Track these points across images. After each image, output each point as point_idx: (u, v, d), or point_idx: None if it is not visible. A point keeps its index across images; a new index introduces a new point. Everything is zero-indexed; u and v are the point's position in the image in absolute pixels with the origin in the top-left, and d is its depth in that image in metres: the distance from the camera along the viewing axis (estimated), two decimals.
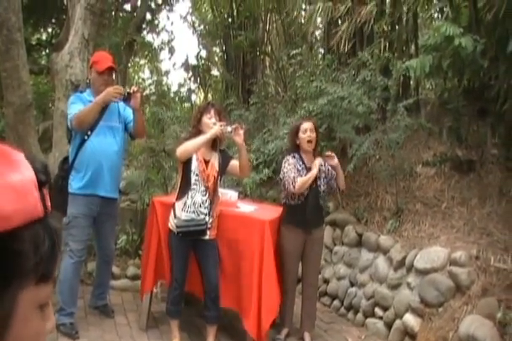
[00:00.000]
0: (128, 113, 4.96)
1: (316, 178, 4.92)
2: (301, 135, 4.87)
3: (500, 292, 4.49)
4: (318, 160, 4.87)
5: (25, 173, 0.67)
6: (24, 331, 0.68)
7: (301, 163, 4.90)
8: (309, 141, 4.87)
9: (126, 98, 4.70)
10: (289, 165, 4.84)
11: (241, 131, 4.33)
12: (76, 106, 4.72)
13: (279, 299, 4.64)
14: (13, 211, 0.64)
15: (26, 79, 6.20)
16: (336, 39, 7.75)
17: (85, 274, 5.72)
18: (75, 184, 4.75)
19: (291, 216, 4.89)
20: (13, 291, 0.65)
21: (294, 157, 4.92)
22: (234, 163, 4.56)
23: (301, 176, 4.83)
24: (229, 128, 4.28)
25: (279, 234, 4.93)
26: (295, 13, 9.73)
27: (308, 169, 4.90)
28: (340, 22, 8.17)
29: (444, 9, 7.23)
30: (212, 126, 4.34)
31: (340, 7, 7.71)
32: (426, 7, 7.72)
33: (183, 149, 4.32)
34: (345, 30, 7.43)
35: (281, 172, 4.92)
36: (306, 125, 4.87)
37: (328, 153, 5.01)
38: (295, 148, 4.97)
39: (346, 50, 7.73)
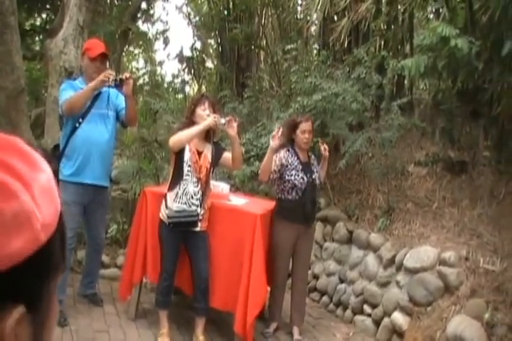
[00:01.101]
0: (120, 101, 4.92)
1: (312, 172, 4.96)
2: (299, 134, 4.90)
3: (488, 293, 4.51)
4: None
5: (47, 170, 0.65)
6: (53, 321, 0.68)
7: (295, 157, 4.92)
8: (306, 143, 4.92)
9: (119, 84, 4.67)
10: (276, 157, 4.83)
11: (234, 124, 4.32)
12: (67, 93, 4.69)
13: (265, 294, 4.65)
14: (52, 215, 0.63)
15: (19, 64, 6.15)
16: (333, 35, 7.75)
17: (75, 262, 5.68)
18: (65, 171, 4.72)
19: (288, 211, 4.88)
20: (51, 288, 0.65)
21: (289, 150, 4.94)
22: (226, 155, 4.55)
23: (297, 170, 4.85)
24: (223, 120, 4.28)
25: (270, 228, 4.92)
26: (291, 7, 9.71)
27: (303, 164, 4.92)
28: (336, 18, 8.17)
29: (440, 10, 7.24)
30: (206, 117, 4.34)
31: (340, 2, 7.67)
32: (422, 7, 7.72)
33: (176, 139, 4.31)
34: (344, 26, 7.41)
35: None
36: (306, 126, 4.90)
37: (325, 146, 5.04)
38: (290, 142, 4.98)
39: (342, 46, 7.73)
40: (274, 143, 4.66)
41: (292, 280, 5.17)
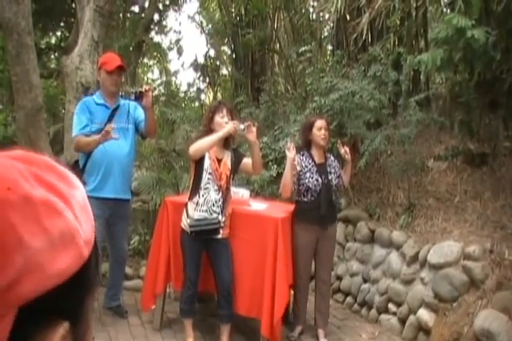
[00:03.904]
0: (138, 113, 4.96)
1: (327, 173, 4.93)
2: (315, 132, 4.89)
3: None
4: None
5: (80, 187, 0.65)
6: (90, 336, 0.67)
7: (310, 160, 4.92)
8: (324, 139, 4.89)
9: (138, 97, 4.71)
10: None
11: (254, 129, 4.31)
12: (79, 121, 4.76)
13: (288, 297, 4.65)
14: (90, 231, 0.63)
15: (37, 83, 6.24)
16: (348, 34, 7.74)
17: (99, 274, 5.71)
18: (87, 186, 4.73)
19: (305, 213, 4.88)
20: (89, 304, 0.64)
21: (303, 154, 4.94)
22: (246, 161, 4.55)
23: (311, 172, 4.85)
24: (242, 126, 4.27)
25: (292, 231, 4.92)
26: (303, 10, 9.70)
27: (318, 166, 4.91)
28: (349, 18, 8.15)
29: (454, 3, 7.16)
30: (224, 125, 4.34)
31: (354, 3, 7.64)
32: (435, 1, 7.64)
33: (196, 147, 4.30)
34: (365, 23, 7.37)
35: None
36: (320, 123, 4.90)
37: (346, 148, 4.98)
38: (307, 144, 4.99)
39: (357, 45, 7.71)
40: (290, 153, 4.70)
41: (315, 282, 5.15)
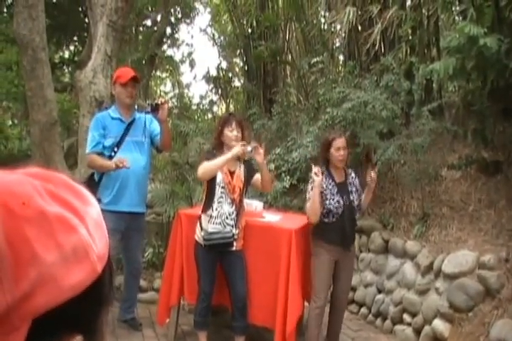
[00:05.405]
0: (153, 127, 4.98)
1: (348, 193, 4.69)
2: (333, 152, 4.59)
3: None
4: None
5: (95, 204, 0.67)
6: None
7: (330, 180, 4.66)
8: (341, 160, 4.63)
9: (154, 109, 4.72)
10: (309, 187, 4.60)
11: (261, 150, 4.28)
12: (93, 138, 4.80)
13: (301, 308, 4.62)
14: (104, 247, 0.64)
15: (51, 98, 6.31)
16: (361, 44, 7.75)
17: (113, 288, 5.72)
18: (103, 199, 4.75)
19: (325, 233, 4.62)
20: (103, 318, 0.67)
21: (323, 173, 4.59)
22: (258, 177, 4.51)
23: (332, 193, 4.59)
24: (249, 148, 4.24)
25: (306, 242, 4.86)
26: (315, 21, 9.73)
27: (338, 184, 4.66)
28: (360, 28, 8.17)
29: (466, 12, 7.15)
30: (233, 138, 4.35)
31: (372, 9, 7.63)
32: (447, 9, 7.63)
33: (203, 170, 4.29)
34: (378, 32, 7.37)
35: (308, 189, 4.67)
36: (339, 142, 4.57)
37: (373, 174, 4.69)
38: (326, 162, 4.72)
39: (369, 55, 7.72)
40: (318, 177, 4.44)
41: (331, 300, 4.92)
